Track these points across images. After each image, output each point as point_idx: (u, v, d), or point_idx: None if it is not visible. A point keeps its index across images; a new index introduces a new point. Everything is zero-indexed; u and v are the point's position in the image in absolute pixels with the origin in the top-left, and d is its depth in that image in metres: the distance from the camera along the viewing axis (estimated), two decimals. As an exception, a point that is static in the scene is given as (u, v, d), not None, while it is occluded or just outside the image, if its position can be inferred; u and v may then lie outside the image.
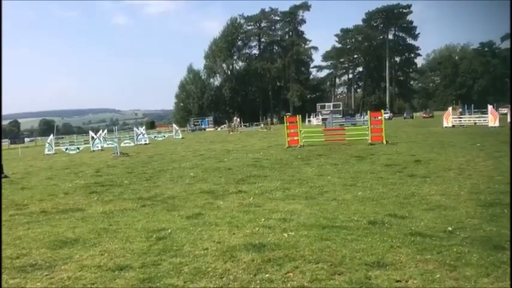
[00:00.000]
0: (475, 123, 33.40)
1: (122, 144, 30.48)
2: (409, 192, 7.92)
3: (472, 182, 8.68)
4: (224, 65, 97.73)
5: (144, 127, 39.21)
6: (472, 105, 47.76)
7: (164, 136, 42.61)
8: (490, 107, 32.08)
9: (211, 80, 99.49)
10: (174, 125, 49.46)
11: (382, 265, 4.23)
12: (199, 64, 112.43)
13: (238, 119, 56.79)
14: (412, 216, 6.12)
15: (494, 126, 29.13)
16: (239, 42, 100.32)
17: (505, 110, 46.40)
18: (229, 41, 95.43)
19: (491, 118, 30.49)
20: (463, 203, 6.76)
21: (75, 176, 13.61)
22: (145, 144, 32.90)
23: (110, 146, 28.39)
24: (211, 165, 14.01)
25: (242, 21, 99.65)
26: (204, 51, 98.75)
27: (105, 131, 36.44)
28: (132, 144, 33.26)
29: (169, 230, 5.89)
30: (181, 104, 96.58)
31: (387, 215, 6.22)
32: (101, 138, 30.76)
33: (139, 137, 34.47)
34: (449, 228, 5.36)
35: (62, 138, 54.69)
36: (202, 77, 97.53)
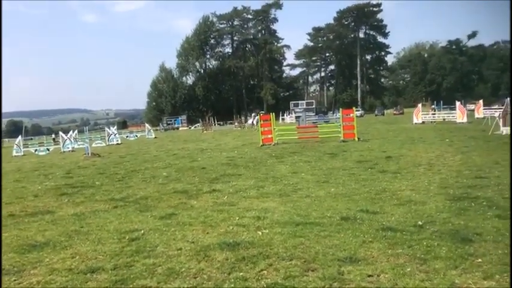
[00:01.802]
0: (444, 119, 34.27)
1: (93, 145, 29.93)
2: (381, 188, 8.06)
3: (441, 176, 8.90)
4: (197, 64, 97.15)
5: (115, 127, 38.55)
6: (441, 101, 48.99)
7: (136, 136, 42.06)
8: (458, 103, 32.97)
9: (184, 78, 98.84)
10: (147, 125, 48.85)
11: (355, 260, 4.29)
12: (172, 63, 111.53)
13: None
14: (384, 211, 6.23)
15: (462, 122, 29.96)
16: (212, 41, 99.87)
17: (472, 106, 47.69)
18: (201, 40, 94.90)
19: (459, 114, 31.35)
20: (433, 198, 6.93)
21: (44, 177, 13.28)
22: (117, 144, 32.40)
23: (80, 146, 27.83)
24: (184, 165, 13.91)
25: (214, 19, 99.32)
26: (177, 50, 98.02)
27: (76, 131, 35.70)
28: (104, 144, 32.69)
29: (142, 231, 5.82)
30: (154, 103, 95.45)
31: (359, 210, 6.31)
32: (72, 139, 30.12)
33: (111, 137, 33.91)
34: (420, 223, 5.49)
35: (31, 139, 53.27)
36: (175, 76, 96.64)
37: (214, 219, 6.31)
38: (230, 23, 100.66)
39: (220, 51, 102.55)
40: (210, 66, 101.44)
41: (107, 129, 36.09)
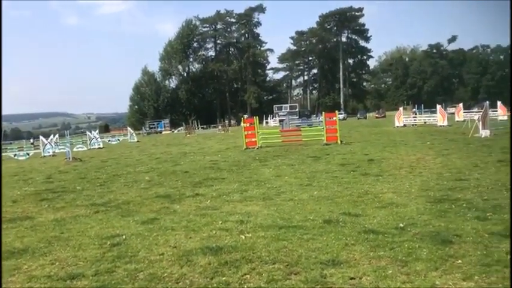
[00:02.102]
0: (425, 122, 34.75)
1: (75, 149, 29.53)
2: (363, 190, 8.12)
3: (422, 179, 9.01)
4: (180, 67, 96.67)
5: (97, 131, 38.22)
6: (422, 105, 49.71)
7: (119, 140, 41.64)
8: (438, 106, 33.47)
9: (167, 82, 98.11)
10: (129, 128, 48.40)
11: (337, 263, 4.31)
12: (154, 66, 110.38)
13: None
14: (366, 214, 6.28)
15: (443, 125, 30.41)
16: (195, 44, 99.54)
17: (452, 110, 48.46)
18: (184, 43, 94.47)
19: (440, 117, 31.81)
20: (414, 200, 7.01)
21: (24, 183, 13.04)
22: (99, 148, 32.03)
23: (61, 151, 27.43)
24: (167, 169, 13.82)
25: (197, 22, 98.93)
26: (159, 53, 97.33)
27: (57, 135, 35.19)
28: (85, 148, 32.28)
29: (124, 236, 5.76)
30: (136, 107, 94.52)
31: (342, 213, 6.35)
32: (52, 143, 29.66)
33: (92, 141, 33.52)
34: (401, 225, 5.54)
35: (11, 143, 52.30)
36: (158, 79, 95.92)
37: (197, 223, 6.28)
38: (213, 27, 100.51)
39: (204, 55, 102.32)
40: (193, 69, 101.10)
41: (88, 133, 35.68)
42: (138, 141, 38.70)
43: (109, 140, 40.94)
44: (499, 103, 36.38)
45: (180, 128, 64.20)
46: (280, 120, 51.41)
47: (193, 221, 6.42)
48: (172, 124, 76.84)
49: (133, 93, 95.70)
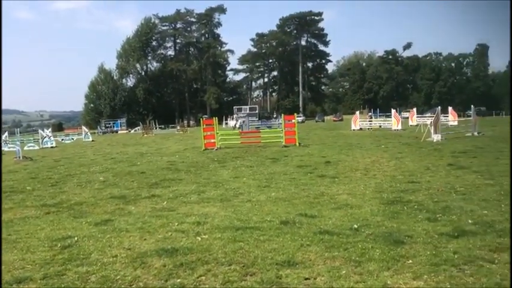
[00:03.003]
0: (380, 126, 35.78)
1: (26, 148, 28.37)
2: (319, 192, 8.25)
3: (376, 181, 9.26)
4: (138, 65, 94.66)
5: (50, 129, 36.74)
6: (378, 109, 51.16)
7: (73, 139, 40.30)
8: (393, 111, 34.55)
9: (124, 80, 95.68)
10: (84, 127, 46.97)
11: (293, 264, 4.35)
12: (111, 64, 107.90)
13: None
14: (322, 215, 6.38)
15: (397, 129, 31.41)
16: (154, 43, 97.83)
17: (406, 114, 50.11)
18: (143, 41, 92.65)
19: (394, 122, 32.86)
20: (368, 202, 7.18)
21: (-31, 182, 12.38)
22: (52, 147, 30.88)
23: (11, 149, 26.29)
24: (123, 169, 13.51)
25: (157, 21, 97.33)
26: (117, 51, 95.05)
27: (6, 133, 33.69)
28: (37, 147, 31.04)
29: (76, 238, 5.57)
30: (92, 105, 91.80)
31: (298, 214, 6.42)
32: (2, 142, 28.38)
33: (44, 140, 32.26)
34: (355, 226, 5.66)
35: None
36: (115, 77, 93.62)
37: (153, 225, 6.17)
38: (173, 26, 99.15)
39: (163, 54, 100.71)
40: (152, 68, 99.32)
41: (40, 131, 34.31)
42: (93, 141, 37.65)
43: (62, 139, 39.55)
44: (450, 109, 38.01)
45: (137, 128, 62.83)
46: (236, 124, 51.57)
47: (149, 223, 6.30)
48: (129, 124, 75.13)
49: (89, 91, 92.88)
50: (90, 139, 38.87)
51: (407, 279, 3.92)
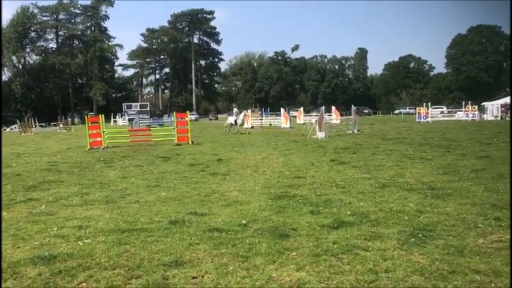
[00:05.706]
0: (271, 124, 37.05)
1: None
2: (210, 190, 8.26)
3: (266, 177, 9.54)
4: (14, 58, 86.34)
5: None
6: (269, 108, 52.86)
7: None
8: (282, 110, 36.00)
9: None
10: (-51, 125, 41.65)
11: (180, 263, 4.28)
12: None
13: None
14: (212, 212, 6.38)
15: (286, 127, 32.78)
16: (32, 34, 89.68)
17: (295, 113, 52.49)
18: (19, 32, 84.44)
19: (284, 120, 34.27)
20: (257, 197, 7.36)
21: None
22: None
23: None
24: (-5, 171, 12.20)
25: (36, 10, 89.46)
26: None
27: None
28: None
29: None
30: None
31: (188, 213, 6.35)
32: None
33: None
34: (244, 222, 5.76)
35: None
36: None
37: (28, 231, 5.65)
38: (55, 16, 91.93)
39: (43, 46, 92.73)
40: (31, 61, 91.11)
41: None
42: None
43: None
44: (333, 108, 40.66)
45: (13, 126, 57.36)
46: (130, 120, 49.72)
47: (24, 229, 5.76)
48: (5, 121, 68.40)
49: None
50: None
51: (290, 270, 4.08)
